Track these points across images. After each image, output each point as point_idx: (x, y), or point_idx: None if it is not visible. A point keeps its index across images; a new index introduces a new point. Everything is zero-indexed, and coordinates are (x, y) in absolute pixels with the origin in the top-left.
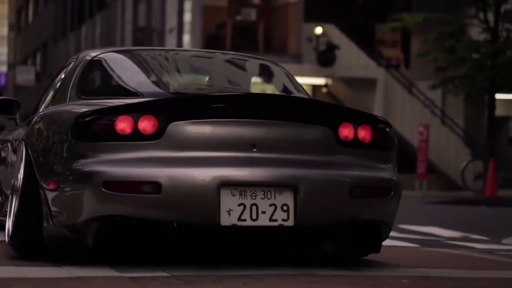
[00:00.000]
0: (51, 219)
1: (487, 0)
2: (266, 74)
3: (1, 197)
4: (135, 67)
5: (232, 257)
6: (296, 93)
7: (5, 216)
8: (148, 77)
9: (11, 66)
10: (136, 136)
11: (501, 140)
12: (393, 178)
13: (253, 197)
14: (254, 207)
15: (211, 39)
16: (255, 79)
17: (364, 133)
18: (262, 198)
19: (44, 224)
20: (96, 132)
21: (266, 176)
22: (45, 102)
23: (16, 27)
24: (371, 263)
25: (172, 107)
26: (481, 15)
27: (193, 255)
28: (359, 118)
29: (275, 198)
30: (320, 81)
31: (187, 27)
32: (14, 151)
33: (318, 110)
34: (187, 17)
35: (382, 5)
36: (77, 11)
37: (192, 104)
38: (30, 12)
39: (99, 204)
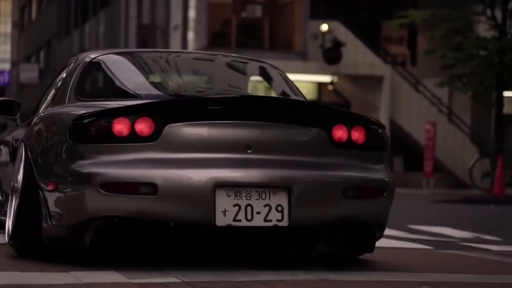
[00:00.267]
0: (50, 220)
1: None
2: (264, 76)
3: (2, 197)
4: (134, 69)
5: (237, 259)
6: (292, 95)
7: (6, 216)
8: (147, 79)
9: (14, 63)
10: (133, 138)
11: (509, 138)
12: (386, 178)
13: (248, 198)
14: (249, 208)
15: (216, 37)
16: (252, 81)
17: (357, 135)
18: (256, 199)
19: (43, 224)
20: (94, 134)
21: (260, 177)
22: (45, 103)
23: (19, 24)
24: (388, 267)
25: (168, 109)
26: (489, 12)
27: (196, 257)
28: (353, 119)
29: (269, 199)
30: (325, 78)
31: (191, 24)
32: (14, 151)
33: (312, 112)
34: (192, 14)
35: (388, 2)
36: (81, 8)
37: (188, 106)
38: (33, 10)
39: (97, 205)
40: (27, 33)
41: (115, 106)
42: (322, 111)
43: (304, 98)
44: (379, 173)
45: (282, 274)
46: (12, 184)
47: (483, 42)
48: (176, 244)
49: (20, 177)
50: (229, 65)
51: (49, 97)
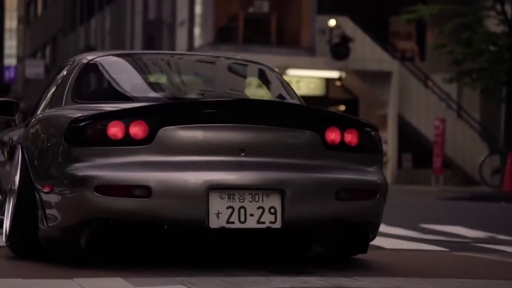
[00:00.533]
0: (46, 221)
1: None
2: (260, 78)
3: (2, 196)
4: (131, 71)
5: (239, 261)
6: (288, 98)
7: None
8: (144, 81)
9: (20, 59)
10: (128, 141)
11: None
12: (379, 180)
13: (241, 200)
14: (242, 210)
15: (223, 32)
16: (249, 84)
17: (350, 137)
18: (250, 201)
19: (40, 226)
20: (88, 137)
21: (254, 179)
22: (43, 104)
23: (25, 20)
24: (405, 272)
25: (162, 112)
26: (498, 7)
27: (197, 260)
28: (345, 122)
29: (262, 201)
30: (333, 74)
31: (198, 19)
32: (12, 151)
33: (305, 115)
34: (198, 9)
35: None
36: (86, 3)
37: (182, 109)
38: (39, 5)
39: (91, 208)
40: (33, 28)
41: (109, 109)
42: (315, 114)
43: (301, 101)
44: (372, 175)
45: (293, 281)
46: (9, 185)
47: (493, 37)
48: (171, 246)
49: (17, 178)
50: (227, 67)
51: (47, 98)
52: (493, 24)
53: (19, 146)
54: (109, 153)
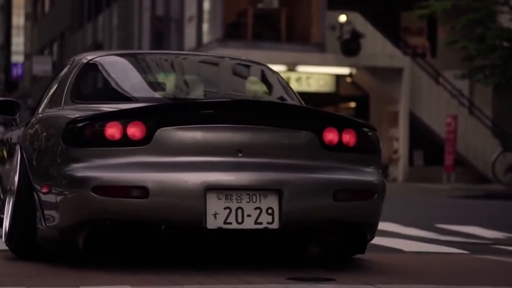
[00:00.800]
0: (44, 222)
1: None
2: (261, 79)
3: (3, 194)
4: (131, 71)
5: (256, 266)
6: (288, 99)
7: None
8: (144, 81)
9: (27, 56)
10: (125, 142)
11: None
12: (377, 181)
13: (238, 201)
14: (239, 211)
15: (232, 28)
16: (250, 84)
17: (348, 137)
18: (247, 202)
19: (38, 226)
20: (86, 137)
21: (251, 180)
22: (43, 104)
23: (32, 16)
24: (430, 279)
25: (160, 113)
26: (511, 2)
27: (203, 262)
28: (343, 122)
29: (260, 202)
30: (344, 70)
31: (206, 15)
32: (12, 151)
33: (302, 116)
34: (207, 5)
35: None
36: (94, 0)
37: (179, 110)
38: (46, 2)
39: (89, 208)
40: (40, 25)
41: (107, 110)
42: (313, 114)
43: (301, 102)
44: (369, 175)
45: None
46: (9, 185)
47: (506, 33)
48: (169, 247)
49: (16, 178)
50: (228, 67)
51: (47, 98)
52: (506, 20)
53: (18, 146)
54: (107, 153)
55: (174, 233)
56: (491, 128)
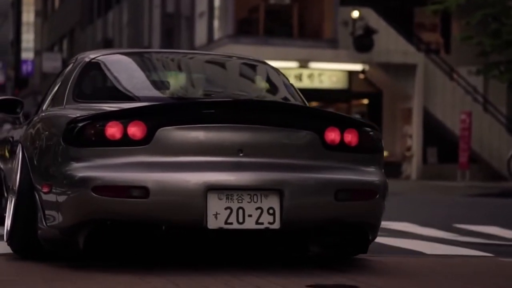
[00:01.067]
0: (45, 221)
1: None
2: (264, 78)
3: (6, 193)
4: (133, 70)
5: (272, 272)
6: (290, 98)
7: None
8: (146, 80)
9: (37, 53)
10: (126, 142)
11: None
12: (379, 180)
13: (239, 201)
14: (240, 211)
15: (243, 24)
16: (252, 82)
17: (350, 137)
18: (248, 202)
19: (39, 225)
20: (87, 137)
21: (252, 180)
22: (46, 103)
23: (42, 13)
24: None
25: (160, 113)
26: None
27: (211, 264)
28: (345, 122)
29: (261, 202)
30: (356, 67)
31: (217, 11)
32: (14, 150)
33: (304, 115)
34: (218, 1)
35: None
36: None
37: (180, 109)
38: None
39: (89, 208)
40: (50, 22)
41: (108, 109)
42: (314, 114)
43: (304, 102)
44: (371, 175)
45: None
46: (10, 185)
47: None
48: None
49: (17, 178)
50: (231, 67)
51: (50, 97)
52: None
53: (20, 145)
54: (107, 153)
55: (175, 233)
56: (505, 125)
